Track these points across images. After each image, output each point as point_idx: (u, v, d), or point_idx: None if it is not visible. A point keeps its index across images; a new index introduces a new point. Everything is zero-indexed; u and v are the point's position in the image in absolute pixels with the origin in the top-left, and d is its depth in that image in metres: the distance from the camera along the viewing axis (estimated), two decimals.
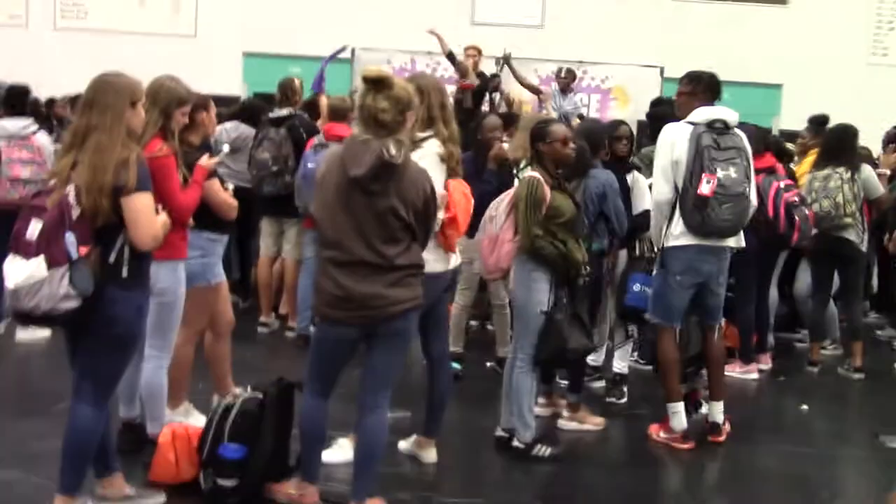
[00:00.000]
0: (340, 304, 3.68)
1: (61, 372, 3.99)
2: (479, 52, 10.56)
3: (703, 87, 5.29)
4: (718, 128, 5.07)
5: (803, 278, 7.52)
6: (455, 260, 4.57)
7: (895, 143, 8.86)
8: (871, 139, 9.29)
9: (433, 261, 4.35)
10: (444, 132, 4.40)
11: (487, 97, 10.34)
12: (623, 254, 5.97)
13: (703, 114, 5.13)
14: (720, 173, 4.96)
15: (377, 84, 3.67)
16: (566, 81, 11.35)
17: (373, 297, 3.66)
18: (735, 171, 5.01)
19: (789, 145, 8.17)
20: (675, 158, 5.06)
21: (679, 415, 5.29)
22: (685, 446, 5.25)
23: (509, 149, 6.30)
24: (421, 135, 4.36)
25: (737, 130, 5.16)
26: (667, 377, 5.33)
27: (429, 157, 4.28)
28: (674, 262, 5.15)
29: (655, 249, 5.43)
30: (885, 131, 9.40)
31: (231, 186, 4.93)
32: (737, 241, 5.24)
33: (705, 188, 4.94)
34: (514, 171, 6.08)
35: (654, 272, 5.34)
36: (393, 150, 3.58)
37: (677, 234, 5.12)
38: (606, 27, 13.87)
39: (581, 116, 11.08)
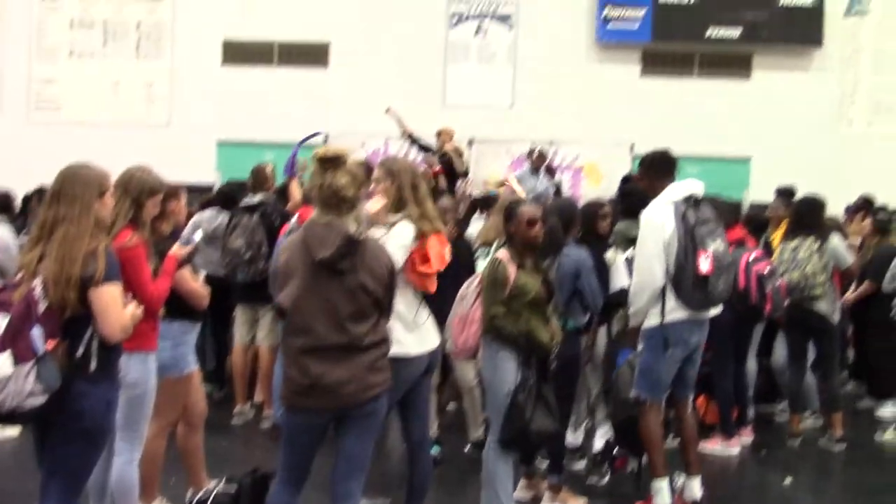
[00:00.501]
0: (311, 392, 3.66)
1: (32, 470, 3.90)
2: (451, 135, 10.71)
3: (651, 166, 5.39)
4: (693, 203, 5.14)
5: (781, 349, 7.54)
6: (434, 341, 4.55)
7: (862, 213, 9.00)
8: (839, 209, 9.48)
9: (412, 342, 4.35)
10: (415, 212, 4.42)
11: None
12: (603, 331, 5.98)
13: (678, 191, 5.18)
14: (711, 247, 5.01)
15: (334, 162, 3.74)
16: (538, 163, 11.57)
17: (344, 384, 3.64)
18: (721, 241, 5.10)
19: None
20: (666, 240, 5.06)
21: (663, 492, 5.23)
22: None
23: (482, 230, 6.38)
24: (393, 217, 4.40)
25: (705, 203, 5.24)
26: (652, 453, 5.30)
27: (395, 237, 4.30)
28: (670, 337, 5.14)
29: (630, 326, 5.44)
30: (854, 202, 9.58)
31: (203, 274, 4.93)
32: (716, 309, 5.29)
33: (705, 265, 4.95)
34: (474, 253, 6.19)
35: (640, 348, 5.33)
36: (353, 228, 3.65)
37: (670, 310, 5.12)
38: (576, 106, 14.16)
39: (558, 192, 11.23)
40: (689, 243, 5.00)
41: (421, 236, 4.37)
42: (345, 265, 3.63)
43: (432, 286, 4.50)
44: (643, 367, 5.29)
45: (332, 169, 3.72)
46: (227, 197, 7.81)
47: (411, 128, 10.60)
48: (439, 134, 10.59)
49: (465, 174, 10.57)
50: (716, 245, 5.04)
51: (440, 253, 4.45)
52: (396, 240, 4.27)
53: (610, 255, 5.96)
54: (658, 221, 5.11)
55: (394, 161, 4.80)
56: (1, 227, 6.82)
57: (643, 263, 5.16)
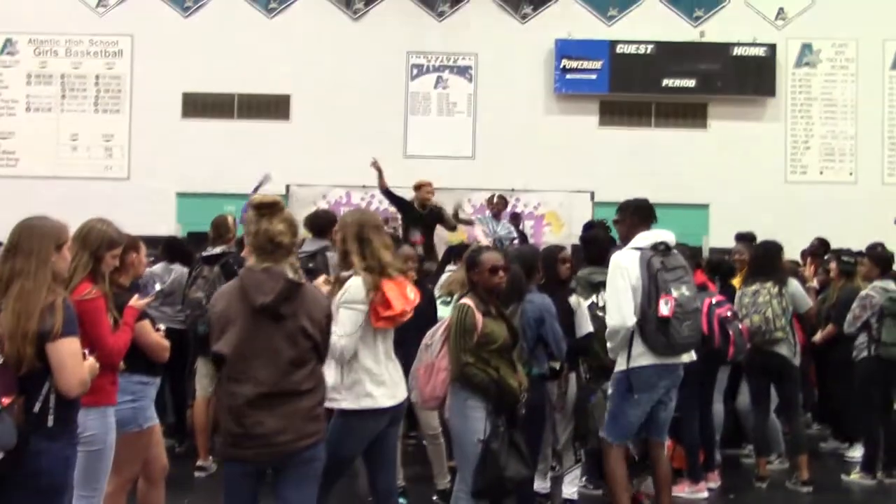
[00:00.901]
0: (246, 442, 3.61)
1: None
2: (431, 188, 10.54)
3: (633, 213, 5.53)
4: (662, 250, 5.26)
5: (746, 392, 7.58)
6: (401, 393, 4.52)
7: (818, 257, 9.14)
8: (795, 253, 9.63)
9: (380, 395, 4.33)
10: (359, 264, 4.40)
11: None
12: (573, 378, 5.99)
13: (646, 238, 5.34)
14: (675, 293, 5.14)
15: (270, 208, 3.76)
16: (498, 208, 11.62)
17: (279, 433, 3.60)
18: (686, 288, 5.21)
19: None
20: (633, 284, 5.19)
21: None
22: None
23: (446, 280, 6.41)
24: (344, 274, 4.40)
25: (675, 251, 5.35)
26: (615, 493, 5.36)
27: (346, 297, 4.30)
28: (635, 382, 5.23)
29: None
30: (810, 245, 9.75)
31: (162, 328, 4.89)
32: (689, 356, 5.36)
33: (664, 309, 5.09)
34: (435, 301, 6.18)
35: (609, 392, 5.40)
36: (290, 274, 3.66)
37: (637, 356, 5.22)
38: (536, 155, 14.33)
39: (524, 239, 11.31)
40: (651, 288, 5.14)
41: (375, 287, 4.33)
42: (285, 310, 3.63)
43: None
44: (611, 410, 5.38)
45: (268, 215, 3.73)
46: (173, 249, 7.80)
47: (389, 183, 10.54)
48: (418, 187, 10.36)
49: (454, 228, 10.47)
50: (680, 291, 5.15)
51: (401, 294, 4.41)
52: (348, 299, 4.27)
53: (573, 300, 5.99)
54: (624, 264, 5.27)
55: (345, 214, 4.83)
56: None
57: (613, 305, 5.29)
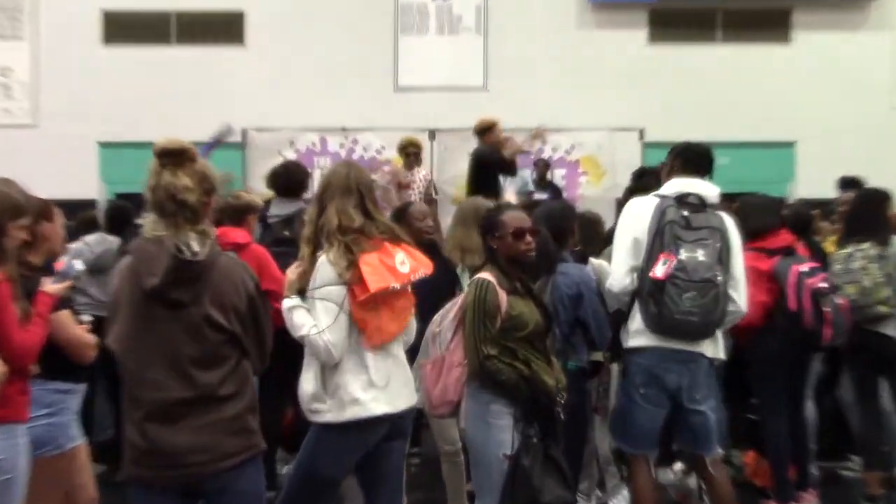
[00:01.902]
0: (150, 460, 3.61)
1: None
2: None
3: (675, 156, 5.52)
4: (691, 203, 5.23)
5: (849, 386, 7.54)
6: (406, 399, 4.53)
7: None
8: None
9: (370, 400, 4.33)
10: (308, 236, 4.47)
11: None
12: (616, 371, 5.98)
13: (673, 186, 5.34)
14: (683, 254, 5.11)
15: (177, 157, 3.69)
16: (542, 171, 11.86)
17: (191, 451, 3.58)
18: (704, 253, 5.14)
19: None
20: (636, 236, 5.23)
21: None
22: None
23: (445, 249, 6.41)
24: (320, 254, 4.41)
25: (718, 211, 5.31)
26: None
27: (316, 290, 4.33)
28: (634, 370, 5.26)
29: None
30: None
31: (88, 319, 4.88)
32: (714, 351, 5.31)
33: (659, 269, 5.09)
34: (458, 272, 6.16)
35: (617, 385, 5.44)
36: (195, 246, 3.59)
37: (634, 332, 5.25)
38: (567, 84, 14.29)
39: (555, 191, 11.30)
40: (655, 242, 5.16)
41: (350, 263, 4.33)
42: (182, 295, 3.58)
43: (394, 325, 4.47)
44: (618, 407, 5.43)
45: (171, 166, 3.68)
46: (116, 217, 7.76)
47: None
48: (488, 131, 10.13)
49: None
50: (693, 254, 5.12)
51: (379, 265, 4.37)
52: (318, 284, 4.30)
53: (592, 266, 5.99)
54: (635, 212, 5.32)
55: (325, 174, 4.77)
56: None
57: (612, 263, 5.37)
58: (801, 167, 14.39)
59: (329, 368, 4.31)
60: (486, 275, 4.75)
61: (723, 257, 5.19)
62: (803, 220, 7.75)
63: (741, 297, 5.31)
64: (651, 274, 5.11)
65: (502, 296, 4.66)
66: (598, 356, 5.82)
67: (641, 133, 13.33)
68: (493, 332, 4.61)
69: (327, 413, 4.31)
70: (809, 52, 14.58)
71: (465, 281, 6.22)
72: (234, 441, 3.66)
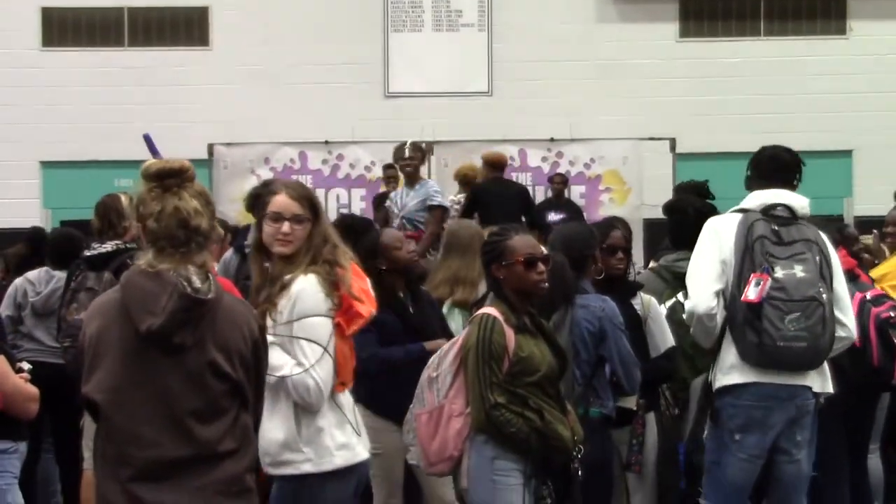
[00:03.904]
0: None
1: None
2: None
3: (754, 166, 5.57)
4: (780, 216, 5.26)
5: None
6: (367, 445, 4.57)
7: None
8: None
9: (358, 443, 4.39)
10: (304, 258, 4.49)
11: None
12: (653, 419, 5.99)
13: (757, 198, 5.37)
14: (780, 272, 5.10)
15: (179, 175, 3.70)
16: (559, 188, 12.02)
17: None
18: (803, 269, 5.16)
19: (866, 238, 8.36)
20: (722, 257, 5.23)
21: None
22: None
23: (430, 286, 6.45)
24: (287, 278, 4.43)
25: (811, 224, 5.35)
26: None
27: (300, 300, 4.34)
28: (729, 412, 5.21)
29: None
30: None
31: (26, 367, 4.89)
32: (822, 384, 5.31)
33: (752, 292, 5.05)
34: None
35: (706, 433, 5.38)
36: (197, 282, 3.59)
37: (728, 368, 5.21)
38: (587, 87, 14.37)
39: (574, 211, 11.37)
40: (745, 262, 5.16)
41: (334, 286, 4.38)
42: (184, 338, 3.58)
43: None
44: (707, 461, 5.37)
45: (179, 187, 3.70)
46: (63, 249, 7.80)
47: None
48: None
49: None
50: (790, 271, 5.13)
51: (359, 291, 4.45)
52: (304, 311, 4.31)
53: (641, 302, 5.99)
54: (718, 228, 5.34)
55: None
56: None
57: (690, 283, 5.36)
58: (860, 180, 14.41)
59: (305, 412, 4.33)
60: (490, 310, 4.75)
61: (824, 272, 5.21)
62: (853, 241, 7.79)
63: (850, 319, 5.34)
64: (743, 298, 5.11)
65: (510, 334, 4.66)
66: (630, 403, 5.82)
67: (673, 143, 13.33)
68: (500, 377, 4.61)
69: (304, 464, 4.32)
70: (868, 45, 14.62)
71: (451, 321, 6.26)
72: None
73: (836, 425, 6.60)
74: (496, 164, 10.83)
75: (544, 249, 5.00)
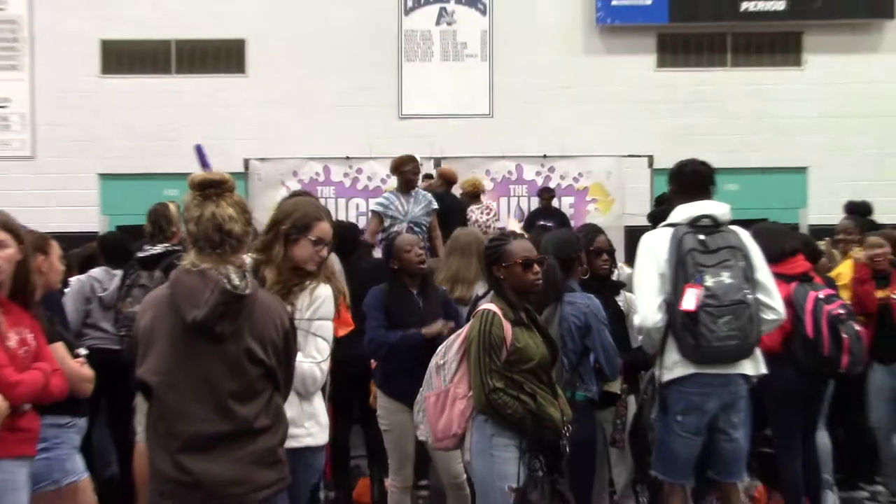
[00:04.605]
0: (183, 492, 3.64)
1: None
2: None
3: (679, 181, 5.58)
4: (705, 226, 5.27)
5: (879, 406, 7.47)
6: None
7: None
8: None
9: (319, 431, 4.47)
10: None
11: None
12: (633, 400, 6.00)
13: (684, 212, 5.39)
14: (710, 281, 5.15)
15: (219, 186, 3.74)
16: (547, 201, 12.10)
17: (228, 483, 3.63)
18: (730, 275, 5.19)
19: (820, 244, 8.34)
20: (660, 271, 5.26)
21: None
22: None
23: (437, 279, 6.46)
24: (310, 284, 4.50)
25: (732, 227, 5.36)
26: None
27: (323, 306, 4.43)
28: (674, 398, 5.28)
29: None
30: None
31: (83, 352, 4.90)
32: (755, 367, 5.34)
33: (689, 302, 5.12)
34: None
35: (654, 416, 5.44)
36: (236, 279, 3.65)
37: (671, 365, 5.27)
38: (575, 110, 14.35)
39: (562, 219, 11.39)
40: (679, 274, 5.20)
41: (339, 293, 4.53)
42: (224, 328, 3.63)
43: None
44: (657, 440, 5.43)
45: (217, 196, 3.73)
46: (113, 249, 7.80)
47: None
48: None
49: None
50: (718, 279, 5.16)
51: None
52: (324, 315, 4.41)
53: (623, 300, 6.01)
54: (652, 245, 5.36)
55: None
56: None
57: (637, 297, 5.41)
58: (813, 193, 14.40)
59: (303, 397, 4.39)
60: (490, 306, 4.77)
61: (748, 275, 5.24)
62: (815, 250, 7.80)
63: (777, 302, 5.36)
64: (680, 307, 5.14)
65: (507, 327, 4.68)
66: (614, 387, 5.85)
67: (651, 160, 13.33)
68: (498, 365, 4.63)
69: (306, 437, 4.38)
70: (822, 75, 14.59)
71: None
72: (268, 474, 3.73)
73: (791, 408, 6.63)
74: (449, 179, 11.08)
75: None
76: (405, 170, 9.44)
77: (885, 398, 7.33)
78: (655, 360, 5.41)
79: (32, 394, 4.26)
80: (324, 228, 4.49)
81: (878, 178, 12.83)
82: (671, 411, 5.29)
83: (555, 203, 12.82)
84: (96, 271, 7.55)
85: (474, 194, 10.98)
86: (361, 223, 10.05)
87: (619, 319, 5.97)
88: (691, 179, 5.55)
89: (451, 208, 10.02)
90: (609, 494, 6.33)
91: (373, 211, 9.32)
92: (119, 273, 7.50)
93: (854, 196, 9.11)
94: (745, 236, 5.39)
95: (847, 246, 8.29)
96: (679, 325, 5.17)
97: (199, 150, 7.64)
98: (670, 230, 5.33)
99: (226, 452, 3.64)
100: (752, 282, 5.25)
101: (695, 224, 5.31)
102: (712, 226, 5.31)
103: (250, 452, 3.68)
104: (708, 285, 5.14)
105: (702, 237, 5.25)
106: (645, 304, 5.31)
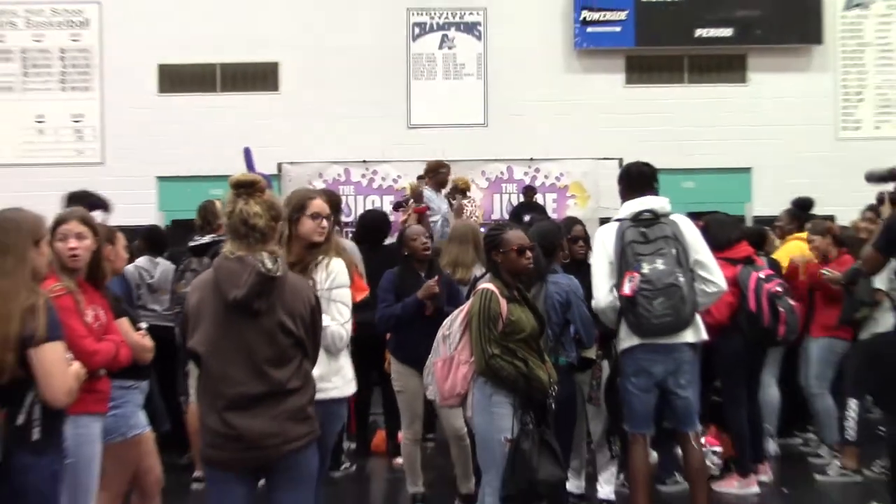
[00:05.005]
0: (228, 444, 3.69)
1: None
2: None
3: (627, 180, 5.64)
4: (646, 219, 5.32)
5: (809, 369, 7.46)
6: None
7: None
8: (845, 213, 9.62)
9: (343, 384, 4.59)
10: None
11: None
12: (606, 364, 6.03)
13: (628, 208, 5.47)
14: (646, 268, 5.23)
15: (250, 187, 3.79)
16: (529, 197, 12.32)
17: (266, 436, 3.69)
18: (663, 262, 5.24)
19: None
20: (609, 260, 5.36)
21: None
22: None
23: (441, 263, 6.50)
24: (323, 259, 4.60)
25: (671, 218, 5.41)
26: (634, 490, 5.50)
27: (338, 276, 4.53)
28: (626, 364, 5.41)
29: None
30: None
31: (144, 326, 4.97)
32: (695, 335, 5.39)
33: (626, 287, 5.22)
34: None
35: (619, 379, 5.56)
36: (269, 264, 3.69)
37: (624, 336, 5.38)
38: (557, 120, 14.33)
39: (543, 212, 11.42)
40: (622, 263, 5.29)
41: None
42: (260, 305, 3.68)
43: None
44: (621, 396, 5.55)
45: (245, 195, 3.78)
46: (156, 241, 7.90)
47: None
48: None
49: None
50: (653, 266, 5.21)
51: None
52: (341, 283, 4.51)
53: None
54: (602, 238, 5.44)
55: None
56: None
57: (593, 284, 5.47)
58: (757, 190, 14.42)
59: (331, 354, 4.44)
60: (489, 285, 4.82)
61: (681, 260, 5.28)
62: (761, 236, 7.88)
63: (717, 276, 5.40)
64: (621, 292, 5.23)
65: (503, 303, 4.72)
66: (591, 353, 5.89)
67: (621, 162, 13.17)
68: (495, 335, 4.68)
69: (333, 390, 4.46)
70: (763, 91, 14.61)
71: None
72: (299, 428, 3.78)
73: (737, 369, 6.71)
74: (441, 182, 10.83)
75: None
76: (442, 171, 9.55)
77: (814, 361, 7.39)
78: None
79: (106, 361, 4.32)
80: (318, 204, 4.54)
81: (809, 179, 12.82)
82: (626, 374, 5.41)
83: (539, 199, 12.89)
84: (141, 260, 7.63)
85: (462, 190, 10.98)
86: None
87: (590, 297, 6.01)
88: (636, 179, 5.60)
89: None
90: (587, 444, 6.40)
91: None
92: (160, 261, 7.57)
93: (791, 193, 9.11)
94: (684, 224, 5.43)
95: (782, 231, 8.38)
96: (624, 306, 5.27)
97: (247, 153, 7.67)
98: (616, 224, 5.39)
99: (264, 410, 3.70)
100: (688, 264, 5.29)
101: (637, 218, 5.35)
102: (652, 218, 5.35)
103: (284, 410, 3.73)
104: (644, 272, 5.22)
105: (643, 229, 5.32)
106: (598, 289, 5.39)
